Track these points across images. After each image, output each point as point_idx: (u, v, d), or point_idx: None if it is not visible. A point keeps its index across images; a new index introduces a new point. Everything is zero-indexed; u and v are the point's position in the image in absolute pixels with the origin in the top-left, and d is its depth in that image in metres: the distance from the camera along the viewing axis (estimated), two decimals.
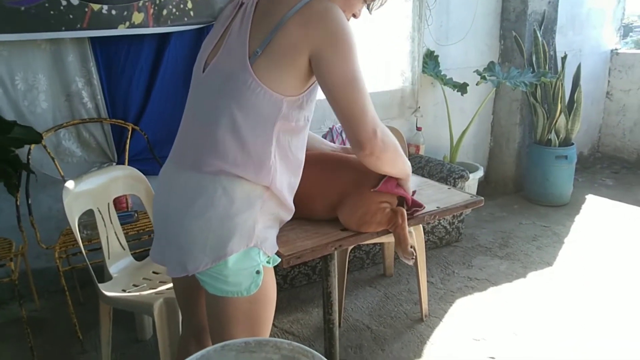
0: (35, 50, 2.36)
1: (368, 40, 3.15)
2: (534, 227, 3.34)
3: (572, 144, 3.65)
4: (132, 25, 2.43)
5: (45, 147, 2.35)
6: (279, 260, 1.19)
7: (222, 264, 1.10)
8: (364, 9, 1.29)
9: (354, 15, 1.27)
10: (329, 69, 1.08)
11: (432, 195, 1.52)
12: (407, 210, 1.36)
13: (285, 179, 1.18)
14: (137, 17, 2.43)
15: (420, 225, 2.32)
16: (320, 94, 1.17)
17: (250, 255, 1.13)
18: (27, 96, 2.40)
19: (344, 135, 2.55)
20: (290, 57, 1.08)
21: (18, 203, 2.18)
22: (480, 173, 3.55)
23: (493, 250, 3.04)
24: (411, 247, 1.32)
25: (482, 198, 1.51)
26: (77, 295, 2.56)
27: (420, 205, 1.40)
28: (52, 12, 2.28)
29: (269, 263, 1.17)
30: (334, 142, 2.59)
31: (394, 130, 2.59)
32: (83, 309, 2.48)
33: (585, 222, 3.38)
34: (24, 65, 2.36)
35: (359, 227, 1.30)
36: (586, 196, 3.83)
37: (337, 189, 1.33)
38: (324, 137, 2.69)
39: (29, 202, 2.22)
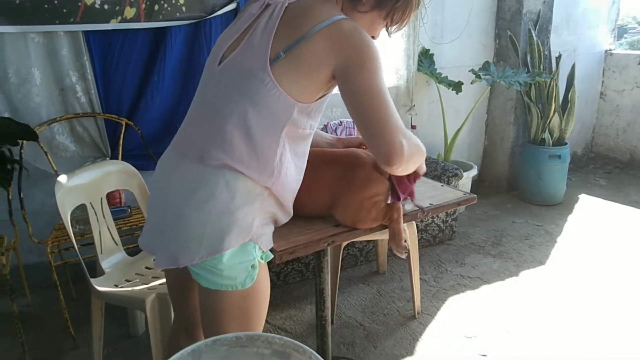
0: (29, 43, 2.35)
1: None
2: (526, 226, 3.35)
3: (566, 143, 3.66)
4: (124, 20, 2.42)
5: (38, 141, 2.33)
6: (272, 256, 1.19)
7: (217, 258, 1.10)
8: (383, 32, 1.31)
9: (373, 37, 1.29)
10: (355, 81, 1.09)
11: (425, 193, 1.53)
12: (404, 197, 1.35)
13: (287, 182, 1.19)
14: (129, 12, 2.42)
15: (414, 222, 2.32)
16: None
17: (246, 249, 1.13)
18: (20, 90, 2.39)
19: (338, 132, 2.56)
20: (313, 67, 1.10)
21: (10, 197, 2.16)
22: (474, 172, 3.56)
23: (486, 248, 3.05)
24: (405, 241, 1.32)
25: (475, 196, 1.52)
26: (70, 291, 2.55)
27: (412, 194, 1.38)
28: (46, 6, 2.27)
29: (262, 259, 1.16)
30: None
31: None
32: (75, 304, 2.47)
33: (578, 222, 3.40)
34: (17, 59, 2.34)
35: (355, 224, 1.31)
36: (579, 196, 3.86)
37: (323, 186, 1.33)
38: None
39: (21, 196, 2.21)
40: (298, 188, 1.26)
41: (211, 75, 1.21)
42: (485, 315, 2.38)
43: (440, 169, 3.07)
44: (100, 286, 1.84)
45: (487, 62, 3.42)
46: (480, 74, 3.34)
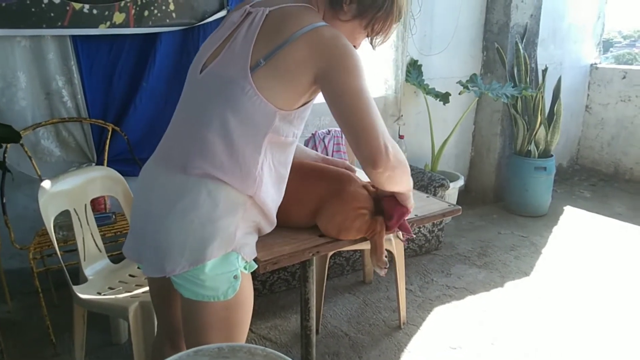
0: (15, 47, 2.33)
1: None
2: (512, 237, 3.37)
3: (552, 155, 3.70)
4: (113, 25, 2.41)
5: (22, 145, 2.31)
6: (256, 266, 1.18)
7: (199, 268, 1.09)
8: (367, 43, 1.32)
9: (354, 47, 1.30)
10: (338, 84, 1.09)
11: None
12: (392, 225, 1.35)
13: (270, 191, 1.19)
14: (119, 17, 2.41)
15: (400, 232, 2.32)
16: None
17: (229, 259, 1.12)
18: (5, 93, 2.36)
19: (326, 141, 2.56)
20: (293, 73, 1.10)
21: None
22: (460, 182, 3.58)
23: (472, 259, 3.07)
24: (386, 256, 1.31)
25: (460, 207, 1.53)
26: (52, 297, 2.51)
27: (408, 231, 1.38)
28: (33, 10, 2.26)
29: (246, 269, 1.16)
30: (317, 148, 2.59)
31: None
32: (57, 311, 2.43)
33: (563, 233, 3.43)
34: (2, 62, 2.32)
35: (338, 233, 1.30)
36: (564, 207, 3.89)
37: (312, 197, 1.33)
38: (307, 142, 2.69)
39: (4, 201, 2.18)
40: (282, 197, 1.25)
41: (193, 84, 1.21)
42: (470, 325, 2.38)
43: (427, 179, 3.08)
44: (83, 293, 1.82)
45: (474, 75, 3.45)
46: (468, 85, 3.37)
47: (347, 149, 2.58)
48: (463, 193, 4.03)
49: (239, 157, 1.11)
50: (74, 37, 2.40)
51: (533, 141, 3.64)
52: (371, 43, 1.32)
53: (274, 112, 1.11)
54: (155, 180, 1.17)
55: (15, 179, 2.32)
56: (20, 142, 2.26)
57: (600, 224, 3.59)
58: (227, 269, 1.12)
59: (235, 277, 1.13)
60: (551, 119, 3.66)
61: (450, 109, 3.60)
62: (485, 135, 3.94)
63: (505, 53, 3.62)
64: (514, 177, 3.75)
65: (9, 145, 2.27)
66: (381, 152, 1.08)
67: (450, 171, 3.75)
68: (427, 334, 2.32)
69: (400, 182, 1.22)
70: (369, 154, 1.08)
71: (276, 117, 1.12)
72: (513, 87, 3.45)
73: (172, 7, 2.52)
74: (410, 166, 3.22)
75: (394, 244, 2.26)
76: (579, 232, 3.44)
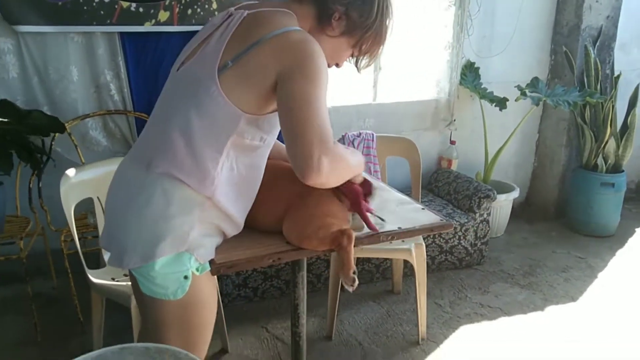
0: (68, 42, 2.49)
1: (401, 48, 3.06)
2: (567, 258, 3.10)
3: (622, 171, 3.36)
4: (158, 23, 2.51)
5: (70, 134, 2.47)
6: (208, 268, 1.16)
7: (150, 265, 1.10)
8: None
9: (337, 65, 1.28)
10: (290, 87, 1.05)
11: (402, 214, 1.43)
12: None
13: (230, 194, 1.16)
14: (163, 15, 2.50)
15: (423, 244, 2.21)
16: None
17: (181, 260, 1.12)
18: (59, 86, 2.53)
19: (355, 143, 2.49)
20: (258, 75, 1.09)
21: (31, 185, 2.30)
22: (515, 194, 3.35)
23: (516, 277, 2.86)
24: (354, 272, 1.21)
25: (452, 223, 1.42)
26: (86, 278, 2.66)
27: (374, 229, 1.30)
28: (85, 8, 2.40)
29: (198, 271, 1.14)
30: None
31: (405, 140, 2.50)
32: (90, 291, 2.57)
33: (629, 258, 3.10)
34: (57, 57, 2.49)
35: (300, 241, 1.22)
36: (635, 229, 3.51)
37: (280, 198, 1.27)
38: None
39: (40, 185, 2.34)
40: (251, 201, 1.23)
41: (169, 82, 1.22)
42: (496, 349, 2.22)
43: (472, 189, 2.92)
44: (98, 278, 1.92)
45: (535, 79, 3.21)
46: (527, 90, 3.14)
47: (377, 153, 2.50)
48: (522, 206, 3.78)
49: (198, 157, 1.10)
50: (121, 34, 2.52)
51: (601, 154, 3.32)
52: (356, 65, 1.29)
53: (239, 114, 1.09)
54: (124, 175, 1.21)
55: (64, 165, 2.47)
56: (68, 132, 2.42)
57: None
58: (177, 269, 1.11)
59: (186, 277, 1.12)
60: (624, 130, 3.32)
61: (510, 115, 3.36)
62: (550, 145, 3.65)
63: (575, 57, 3.33)
64: (578, 193, 3.44)
65: (56, 134, 2.44)
66: (311, 168, 1.02)
67: (507, 182, 3.52)
68: (446, 353, 2.19)
69: (340, 182, 1.18)
70: (299, 165, 1.04)
71: (241, 120, 1.10)
72: (579, 94, 3.16)
73: (214, 5, 2.58)
74: (458, 174, 3.08)
75: (414, 254, 2.15)
76: None
